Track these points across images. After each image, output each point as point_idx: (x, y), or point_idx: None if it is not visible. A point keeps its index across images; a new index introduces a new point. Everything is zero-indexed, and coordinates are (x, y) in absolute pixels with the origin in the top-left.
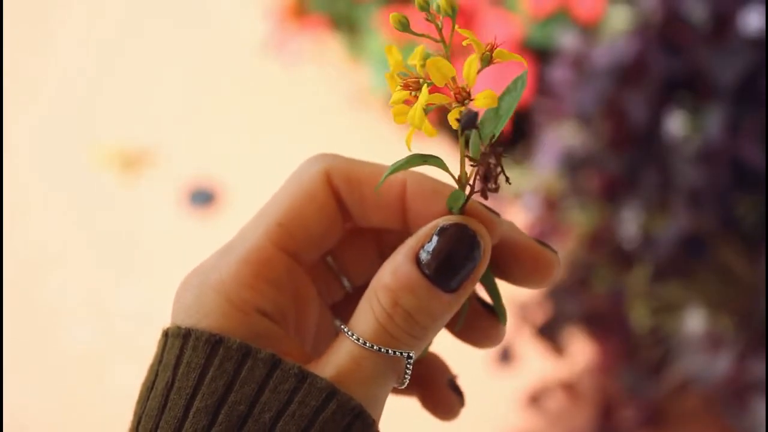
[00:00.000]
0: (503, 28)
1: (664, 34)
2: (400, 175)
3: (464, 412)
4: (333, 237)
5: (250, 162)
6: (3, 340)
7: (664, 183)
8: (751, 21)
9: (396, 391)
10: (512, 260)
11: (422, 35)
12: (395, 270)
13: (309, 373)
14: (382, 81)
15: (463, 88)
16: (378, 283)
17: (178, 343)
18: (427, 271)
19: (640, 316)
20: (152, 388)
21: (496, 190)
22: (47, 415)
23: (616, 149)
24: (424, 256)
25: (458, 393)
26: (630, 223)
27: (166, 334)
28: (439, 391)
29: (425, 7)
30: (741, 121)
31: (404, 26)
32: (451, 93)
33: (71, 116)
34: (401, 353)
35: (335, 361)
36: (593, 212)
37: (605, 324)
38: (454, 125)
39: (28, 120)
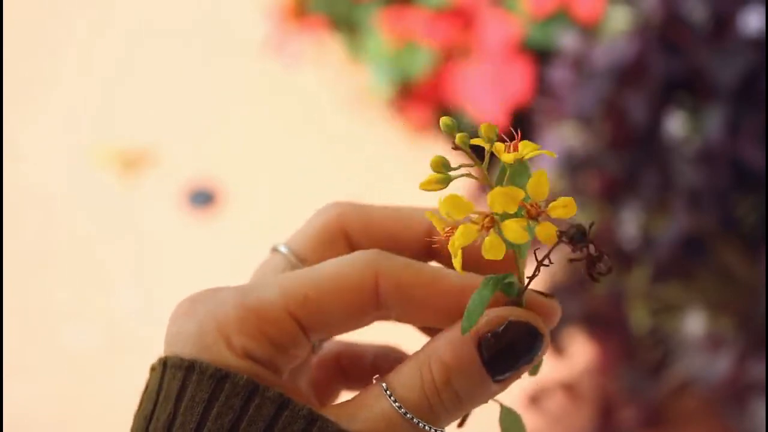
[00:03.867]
0: (503, 28)
1: (664, 34)
2: (452, 279)
3: None
4: (351, 329)
5: (250, 162)
6: (3, 340)
7: (664, 183)
8: (751, 21)
9: None
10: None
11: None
12: (457, 348)
13: (319, 416)
14: (382, 81)
15: (535, 204)
16: (435, 353)
17: (180, 375)
18: (485, 355)
19: (640, 317)
20: (151, 419)
21: (607, 272)
22: (47, 415)
23: (616, 149)
24: (486, 341)
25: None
26: (630, 224)
27: (164, 363)
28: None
29: (465, 142)
30: (741, 121)
31: (452, 129)
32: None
33: (72, 117)
34: (434, 430)
35: (367, 417)
36: (593, 212)
37: (605, 324)
38: (547, 240)
39: (30, 120)
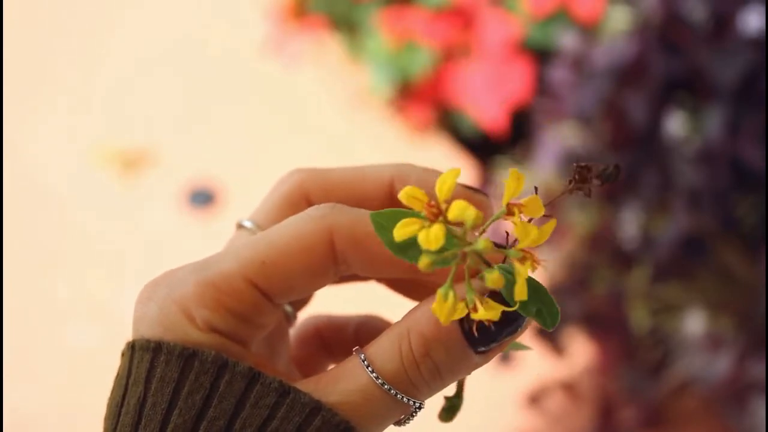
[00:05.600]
0: (503, 28)
1: (664, 34)
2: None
3: (464, 413)
4: (315, 289)
5: (250, 162)
6: (3, 340)
7: (664, 183)
8: (751, 21)
9: None
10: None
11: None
12: (437, 319)
13: (291, 388)
14: (382, 81)
15: (512, 205)
16: (414, 325)
17: (148, 357)
18: (466, 327)
19: (640, 317)
20: (122, 404)
21: (589, 190)
22: (48, 416)
23: (616, 149)
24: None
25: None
26: (630, 224)
27: (132, 347)
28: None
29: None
30: (741, 121)
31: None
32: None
33: (72, 117)
34: (413, 402)
35: (344, 389)
36: (593, 212)
37: (605, 324)
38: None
39: (31, 120)
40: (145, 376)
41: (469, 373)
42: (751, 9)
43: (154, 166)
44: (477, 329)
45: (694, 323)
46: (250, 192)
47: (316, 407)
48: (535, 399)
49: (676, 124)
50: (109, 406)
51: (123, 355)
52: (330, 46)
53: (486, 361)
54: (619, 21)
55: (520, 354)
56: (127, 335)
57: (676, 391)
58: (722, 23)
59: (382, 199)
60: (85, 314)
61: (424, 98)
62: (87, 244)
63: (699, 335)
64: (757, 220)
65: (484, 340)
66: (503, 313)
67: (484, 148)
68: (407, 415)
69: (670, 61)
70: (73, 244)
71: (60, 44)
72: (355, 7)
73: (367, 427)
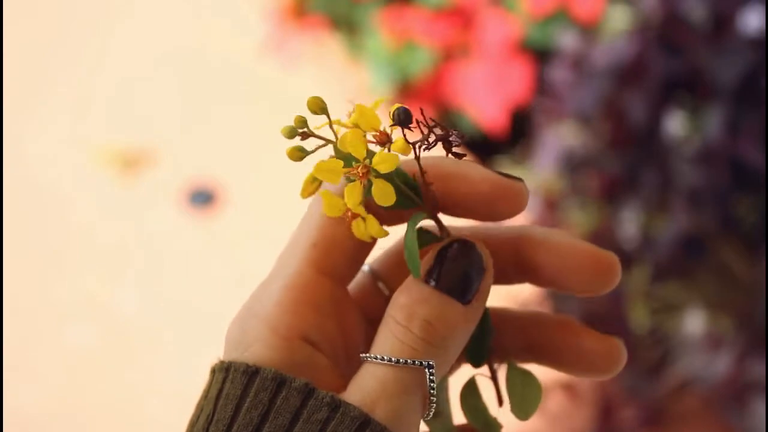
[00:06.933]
0: (503, 28)
1: (664, 34)
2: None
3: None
4: (369, 246)
5: (250, 162)
6: (3, 339)
7: (664, 183)
8: (751, 21)
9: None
10: (572, 266)
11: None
12: (408, 289)
13: (342, 402)
14: (382, 81)
15: (377, 132)
16: (391, 307)
17: (221, 377)
18: (441, 287)
19: (639, 317)
20: (196, 422)
21: (461, 141)
22: (48, 415)
23: (616, 149)
24: (432, 277)
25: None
26: (630, 223)
27: (212, 371)
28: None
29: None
30: (741, 121)
31: (323, 110)
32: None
33: (72, 117)
34: (421, 363)
35: (360, 384)
36: (593, 212)
37: (605, 324)
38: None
39: (31, 120)
40: (216, 395)
41: (469, 324)
42: (751, 9)
43: (154, 166)
44: (450, 283)
45: (694, 323)
46: (250, 192)
47: (366, 421)
48: None
49: (676, 124)
50: (187, 427)
51: (207, 379)
52: (330, 46)
53: (477, 310)
54: (618, 21)
55: None
56: (127, 335)
57: (676, 391)
58: (722, 23)
59: (480, 194)
60: (85, 314)
61: (424, 98)
62: (87, 244)
63: (699, 335)
64: (757, 220)
65: (461, 287)
66: (446, 244)
67: (484, 148)
68: (426, 386)
69: (669, 61)
70: (73, 243)
71: (60, 44)
72: (355, 7)
73: (389, 408)
